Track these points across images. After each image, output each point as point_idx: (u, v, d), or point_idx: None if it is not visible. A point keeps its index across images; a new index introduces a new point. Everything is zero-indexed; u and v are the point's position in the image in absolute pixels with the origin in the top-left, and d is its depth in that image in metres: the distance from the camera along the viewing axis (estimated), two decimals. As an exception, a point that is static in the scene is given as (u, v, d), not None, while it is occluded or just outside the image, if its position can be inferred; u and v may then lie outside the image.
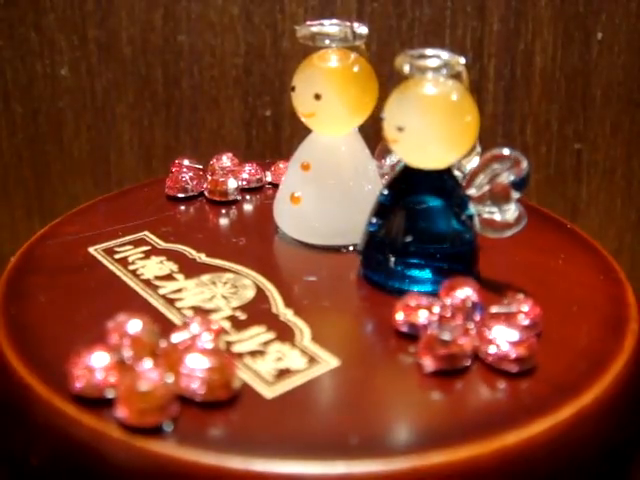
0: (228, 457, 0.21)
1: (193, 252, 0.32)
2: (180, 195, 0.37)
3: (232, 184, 0.37)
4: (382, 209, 0.29)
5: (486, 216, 0.28)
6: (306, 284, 0.31)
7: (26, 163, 0.54)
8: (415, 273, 0.29)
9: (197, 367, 0.23)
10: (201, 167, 0.38)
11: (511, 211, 0.28)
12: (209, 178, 0.37)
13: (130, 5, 0.50)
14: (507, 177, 0.27)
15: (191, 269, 0.31)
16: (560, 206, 0.52)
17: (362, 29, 0.31)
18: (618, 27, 0.48)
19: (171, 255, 0.32)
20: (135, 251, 0.33)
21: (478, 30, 0.49)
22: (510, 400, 0.24)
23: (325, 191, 0.33)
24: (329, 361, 0.25)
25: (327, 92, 0.31)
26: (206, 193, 0.37)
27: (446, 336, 0.24)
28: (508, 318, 0.26)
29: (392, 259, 0.29)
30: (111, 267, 0.31)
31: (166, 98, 0.52)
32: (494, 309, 0.26)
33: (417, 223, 0.28)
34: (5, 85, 0.52)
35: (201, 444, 0.21)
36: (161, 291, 0.29)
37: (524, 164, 0.27)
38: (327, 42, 0.31)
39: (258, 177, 0.38)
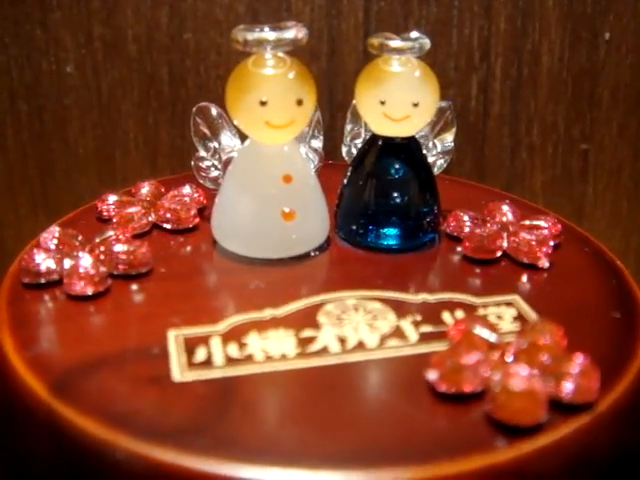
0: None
1: (258, 314, 0.28)
2: (89, 293, 0.29)
3: (143, 247, 0.31)
4: (395, 183, 0.32)
5: (435, 159, 0.36)
6: (373, 275, 0.31)
7: (31, 161, 0.54)
8: (390, 231, 0.33)
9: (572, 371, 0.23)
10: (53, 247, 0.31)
11: (451, 149, 0.36)
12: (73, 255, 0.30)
13: (135, 3, 0.50)
14: (442, 125, 0.36)
15: (293, 324, 0.28)
16: (566, 207, 0.52)
17: (304, 32, 0.30)
18: (626, 27, 0.48)
19: (250, 327, 0.27)
20: (211, 348, 0.26)
21: (485, 29, 0.49)
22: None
23: (308, 198, 0.32)
24: (531, 314, 0.29)
25: (307, 96, 0.30)
26: (126, 269, 0.31)
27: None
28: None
29: (405, 222, 0.33)
30: (237, 373, 0.25)
31: (172, 96, 0.52)
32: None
33: (417, 186, 0.33)
34: (10, 83, 0.52)
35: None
36: (334, 349, 0.26)
37: (451, 108, 0.36)
38: (269, 48, 0.30)
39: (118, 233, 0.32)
